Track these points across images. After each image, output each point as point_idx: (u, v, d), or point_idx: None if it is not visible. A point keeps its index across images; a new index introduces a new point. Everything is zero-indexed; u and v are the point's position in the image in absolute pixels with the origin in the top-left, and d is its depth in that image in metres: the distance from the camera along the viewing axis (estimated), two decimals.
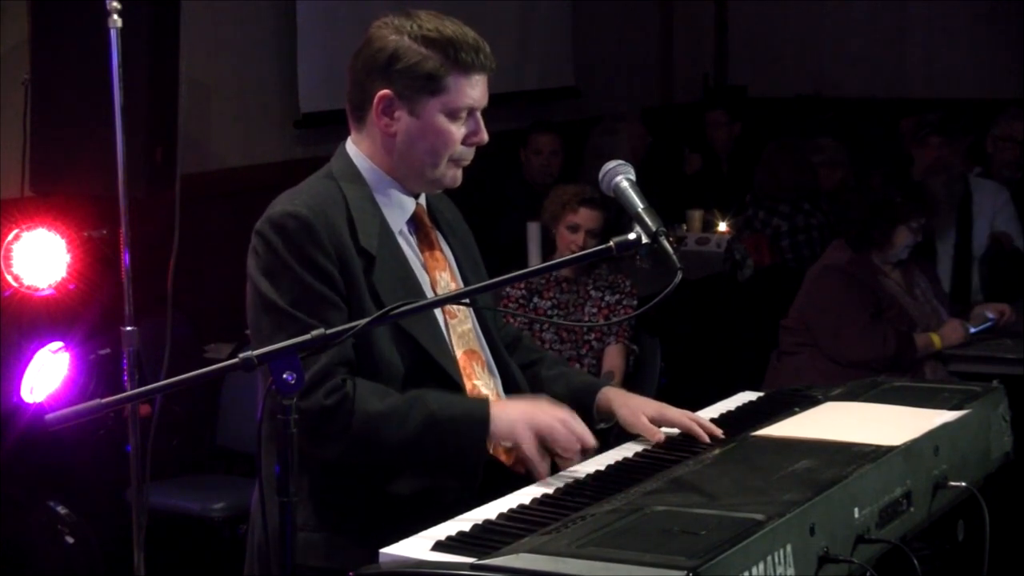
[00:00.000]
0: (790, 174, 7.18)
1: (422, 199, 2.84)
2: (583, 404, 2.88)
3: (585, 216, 5.61)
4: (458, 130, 2.73)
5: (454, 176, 2.78)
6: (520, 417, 2.64)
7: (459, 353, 2.76)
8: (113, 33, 4.25)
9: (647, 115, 8.78)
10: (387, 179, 2.77)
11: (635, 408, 2.85)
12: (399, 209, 2.78)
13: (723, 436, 2.79)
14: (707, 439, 2.78)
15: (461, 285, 2.83)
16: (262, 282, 2.63)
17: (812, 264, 5.83)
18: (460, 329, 2.79)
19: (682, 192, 8.26)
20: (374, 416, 2.59)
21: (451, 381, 2.72)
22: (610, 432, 2.96)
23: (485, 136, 2.77)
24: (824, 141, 7.66)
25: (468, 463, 2.65)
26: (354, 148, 2.79)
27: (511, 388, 2.87)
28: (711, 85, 10.22)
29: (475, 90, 2.73)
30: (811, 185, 7.25)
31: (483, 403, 2.67)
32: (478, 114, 2.75)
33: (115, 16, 4.23)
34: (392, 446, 2.60)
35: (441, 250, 2.85)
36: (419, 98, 2.70)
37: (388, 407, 2.61)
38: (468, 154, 2.77)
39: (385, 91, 2.70)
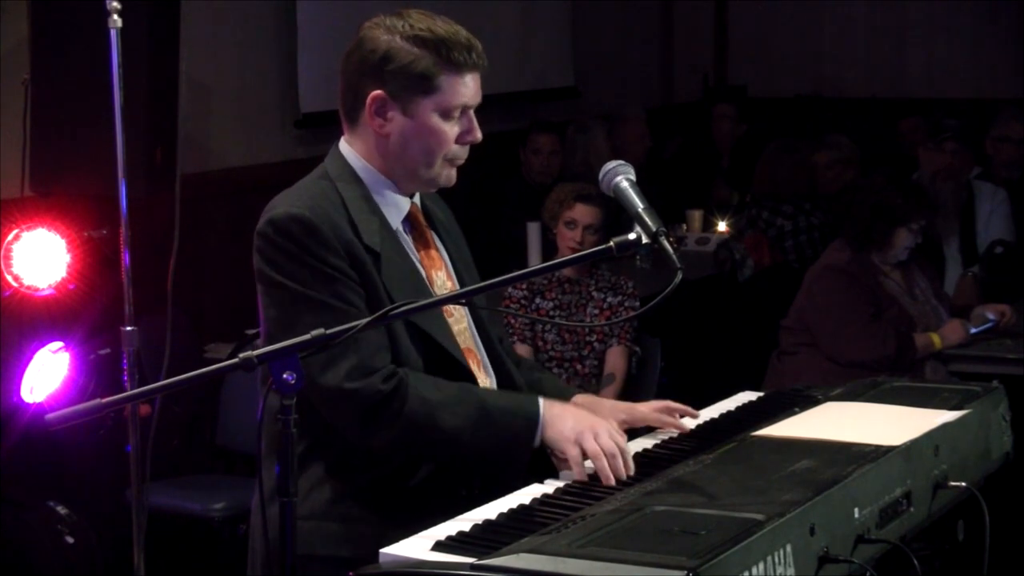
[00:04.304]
0: (789, 175, 7.18)
1: (416, 199, 2.84)
2: None
3: (581, 212, 5.60)
4: (451, 129, 2.73)
5: (449, 175, 2.78)
6: (573, 432, 2.62)
7: None
8: (113, 33, 4.25)
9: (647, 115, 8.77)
10: (382, 179, 2.76)
11: (605, 417, 2.81)
12: (395, 209, 2.78)
13: (695, 417, 2.87)
14: (680, 425, 2.84)
15: (457, 284, 2.84)
16: (280, 278, 2.62)
17: (812, 262, 5.83)
18: (456, 328, 2.80)
19: (682, 192, 8.26)
20: (430, 403, 2.60)
21: (467, 374, 2.73)
22: None
23: (479, 134, 2.76)
24: (838, 139, 7.59)
25: (514, 457, 2.65)
26: (348, 148, 2.79)
27: (507, 386, 2.87)
28: (711, 85, 10.22)
29: (468, 89, 2.72)
30: (809, 186, 7.24)
31: (534, 399, 2.68)
32: (471, 112, 2.75)
33: (115, 16, 4.23)
34: (445, 434, 2.61)
35: (436, 249, 2.85)
36: (412, 98, 2.69)
37: (443, 396, 2.62)
38: (462, 153, 2.77)
39: (378, 92, 2.70)
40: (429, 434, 2.61)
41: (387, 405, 2.59)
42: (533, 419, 2.64)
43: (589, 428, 2.63)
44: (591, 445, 2.60)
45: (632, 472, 2.60)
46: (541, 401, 2.68)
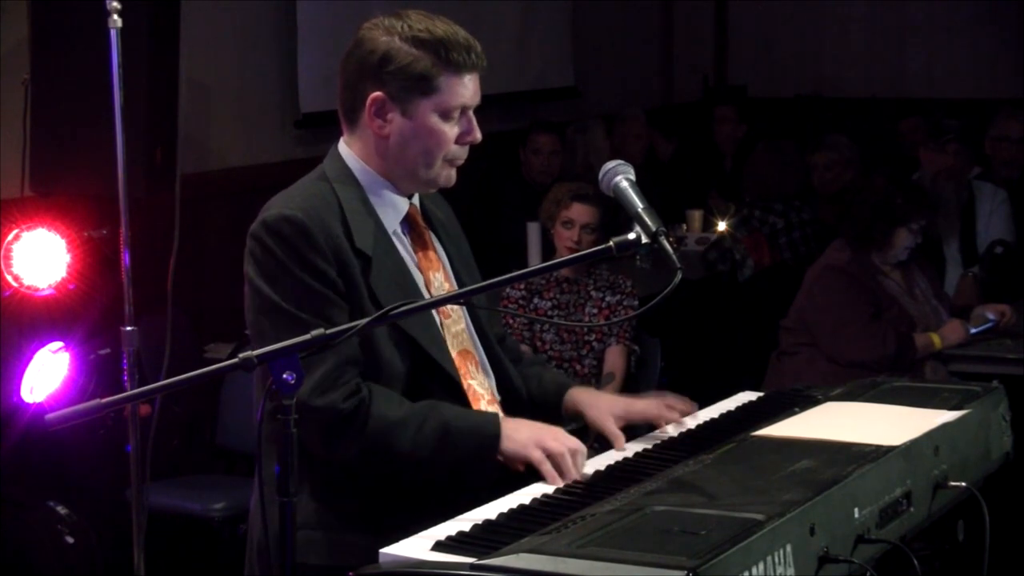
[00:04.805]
0: (777, 175, 7.17)
1: (415, 199, 2.84)
2: (552, 404, 2.91)
3: (578, 211, 5.60)
4: (451, 130, 2.73)
5: (448, 176, 2.78)
6: (531, 440, 2.65)
7: (454, 353, 2.77)
8: (113, 33, 4.25)
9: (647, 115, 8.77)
10: (380, 180, 2.77)
11: (602, 410, 2.87)
12: (392, 210, 2.78)
13: (692, 412, 2.86)
14: (677, 417, 2.84)
15: (455, 285, 2.83)
16: (262, 285, 2.63)
17: (809, 260, 5.82)
18: (454, 329, 2.80)
19: (683, 189, 8.26)
20: (391, 422, 2.61)
21: (451, 381, 2.73)
22: (587, 433, 2.97)
23: (478, 135, 2.77)
24: (838, 139, 7.55)
25: (475, 474, 2.66)
26: (347, 149, 2.79)
27: (505, 387, 2.88)
28: (711, 85, 10.22)
29: (467, 89, 2.73)
30: (798, 185, 7.21)
31: (494, 417, 2.70)
32: (471, 113, 2.75)
33: (115, 16, 4.23)
34: (405, 453, 2.62)
35: (435, 250, 2.85)
36: (411, 99, 2.70)
37: (404, 414, 2.63)
38: (462, 153, 2.77)
39: (377, 93, 2.70)
40: (389, 453, 2.62)
41: (348, 424, 2.59)
42: (493, 437, 2.66)
43: (547, 435, 2.66)
44: (536, 454, 2.63)
45: (581, 470, 2.63)
46: (501, 419, 2.70)
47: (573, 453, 2.63)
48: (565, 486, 2.56)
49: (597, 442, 2.89)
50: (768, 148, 7.38)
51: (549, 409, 2.90)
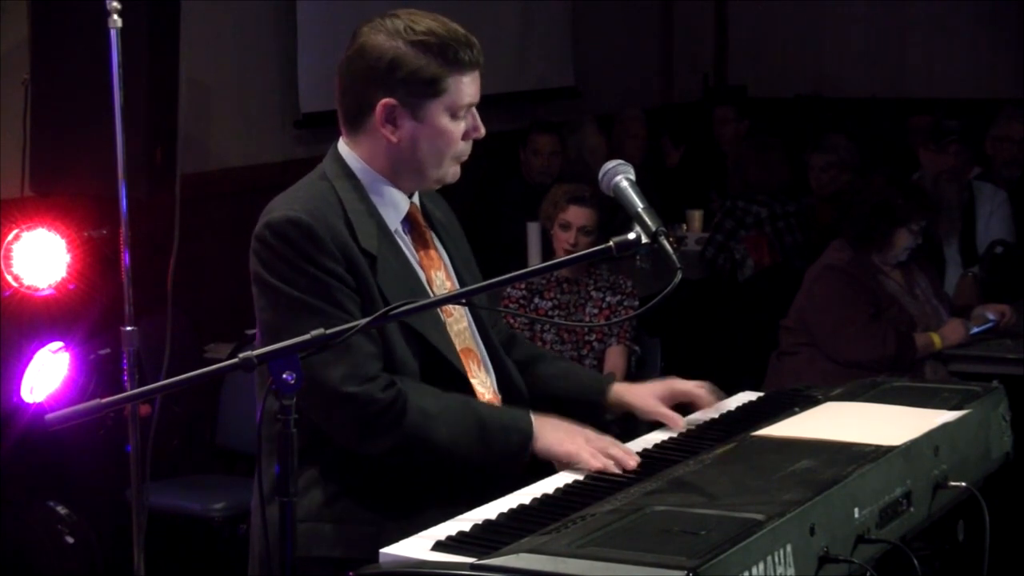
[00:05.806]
0: (761, 172, 7.16)
1: (415, 198, 2.85)
2: (591, 400, 2.95)
3: (575, 214, 5.60)
4: (459, 128, 2.75)
5: (455, 172, 2.81)
6: (565, 438, 2.69)
7: (457, 351, 2.77)
8: (113, 33, 4.25)
9: (647, 115, 8.77)
10: (381, 179, 2.77)
11: (646, 396, 2.94)
12: (394, 209, 2.79)
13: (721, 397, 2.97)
14: (710, 404, 2.95)
15: (456, 284, 2.84)
16: (277, 284, 2.63)
17: (795, 250, 5.80)
18: (456, 328, 2.80)
19: (684, 190, 8.25)
20: (428, 415, 2.63)
21: (460, 378, 2.74)
22: (613, 424, 3.03)
23: (483, 130, 2.79)
24: (836, 141, 7.51)
25: (507, 469, 2.68)
26: (347, 149, 2.79)
27: (506, 386, 2.88)
28: (711, 85, 10.22)
29: (472, 87, 2.75)
30: (784, 183, 7.19)
31: (526, 416, 2.72)
32: (474, 109, 2.77)
33: (115, 16, 4.24)
34: (441, 448, 2.64)
35: (436, 249, 2.86)
36: (422, 103, 2.70)
37: (441, 408, 2.64)
38: (467, 149, 2.80)
39: (388, 100, 2.70)
40: (425, 445, 2.63)
41: (385, 414, 2.60)
42: (526, 434, 2.68)
43: (579, 433, 2.70)
44: (571, 448, 2.67)
45: (627, 455, 2.66)
46: (533, 417, 2.72)
47: (603, 450, 2.66)
48: (565, 485, 2.56)
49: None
50: (753, 145, 7.37)
51: (586, 405, 2.94)
